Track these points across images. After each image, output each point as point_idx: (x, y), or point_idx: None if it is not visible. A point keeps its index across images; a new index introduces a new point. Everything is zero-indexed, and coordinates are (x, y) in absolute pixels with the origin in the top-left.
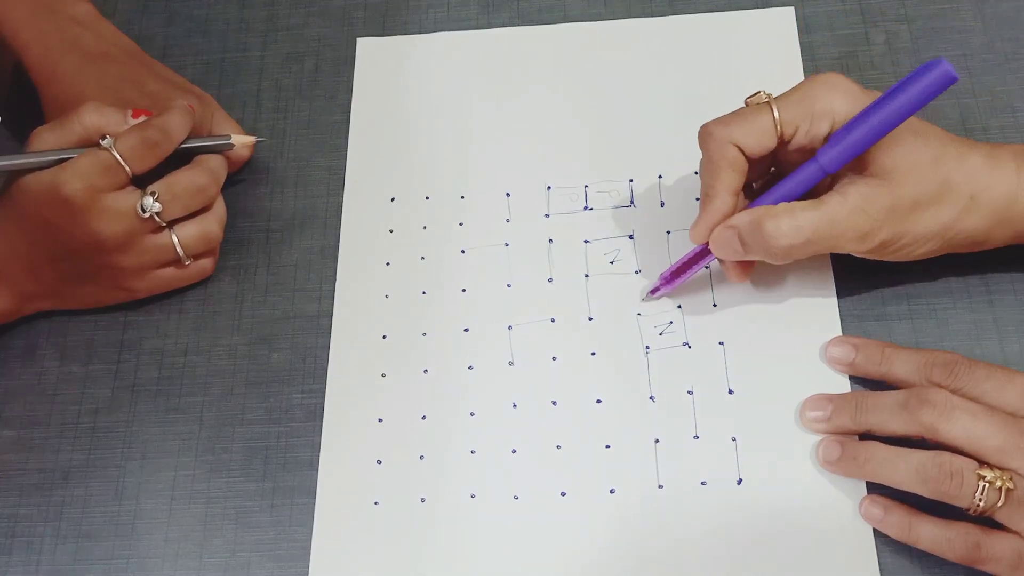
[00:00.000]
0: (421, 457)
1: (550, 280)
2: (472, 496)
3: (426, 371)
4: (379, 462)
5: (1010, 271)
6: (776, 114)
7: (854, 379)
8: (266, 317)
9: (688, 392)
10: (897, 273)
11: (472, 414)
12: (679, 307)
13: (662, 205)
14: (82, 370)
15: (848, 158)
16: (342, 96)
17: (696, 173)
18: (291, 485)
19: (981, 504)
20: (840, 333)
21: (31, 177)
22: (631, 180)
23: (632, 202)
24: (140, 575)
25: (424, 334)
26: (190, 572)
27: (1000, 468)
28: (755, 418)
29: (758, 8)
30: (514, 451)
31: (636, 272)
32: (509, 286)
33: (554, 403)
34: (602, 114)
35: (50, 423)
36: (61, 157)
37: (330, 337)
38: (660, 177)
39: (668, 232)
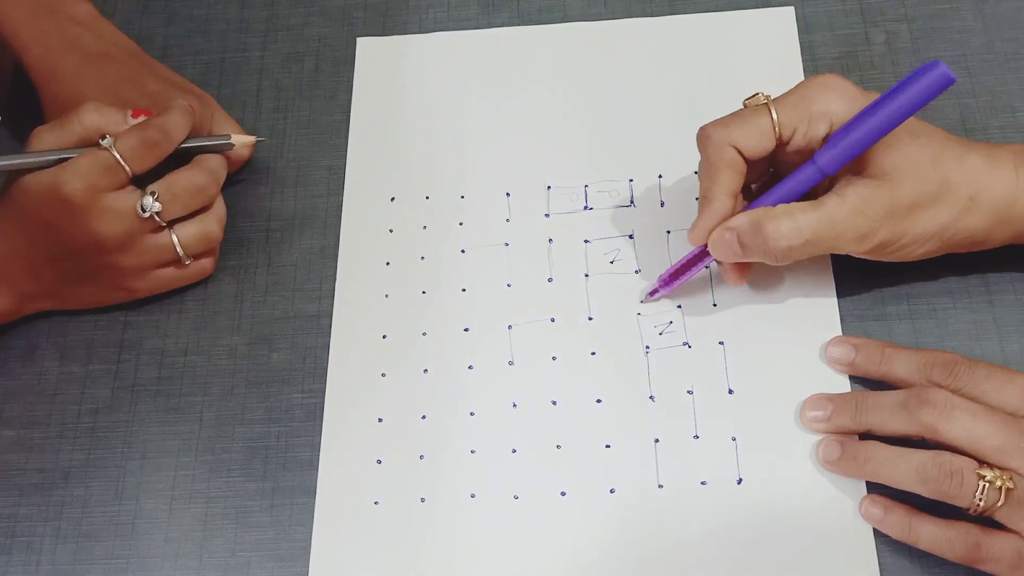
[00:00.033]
0: (421, 457)
1: (550, 280)
2: (472, 496)
3: (426, 371)
4: (379, 462)
5: (1010, 271)
6: (774, 116)
7: (854, 379)
8: (266, 317)
9: (688, 392)
10: (897, 273)
11: (472, 414)
12: (679, 307)
13: (662, 205)
14: (82, 370)
15: (846, 159)
16: (342, 96)
17: (696, 173)
18: (291, 485)
19: (981, 504)
20: (840, 333)
21: (31, 177)
22: (631, 180)
23: (632, 202)
24: (140, 575)
25: (424, 334)
26: (190, 572)
27: (1000, 468)
28: (755, 418)
29: (758, 8)
30: (514, 451)
31: (636, 272)
32: (509, 286)
33: (554, 403)
34: (602, 114)
35: (50, 423)
36: (61, 157)
37: (330, 337)
38: (660, 177)
39: (668, 232)
